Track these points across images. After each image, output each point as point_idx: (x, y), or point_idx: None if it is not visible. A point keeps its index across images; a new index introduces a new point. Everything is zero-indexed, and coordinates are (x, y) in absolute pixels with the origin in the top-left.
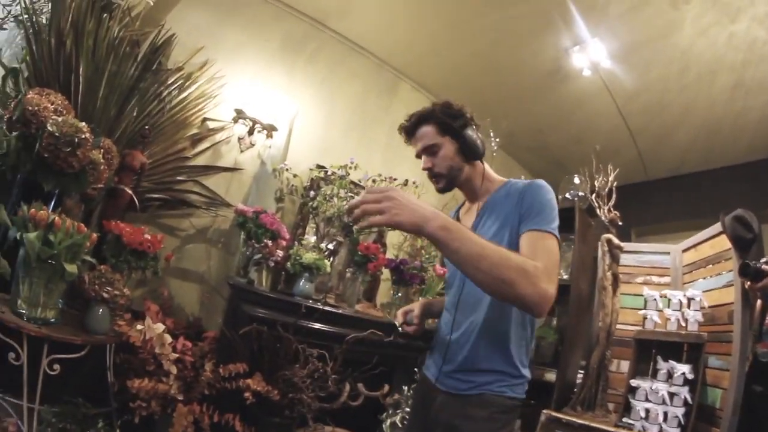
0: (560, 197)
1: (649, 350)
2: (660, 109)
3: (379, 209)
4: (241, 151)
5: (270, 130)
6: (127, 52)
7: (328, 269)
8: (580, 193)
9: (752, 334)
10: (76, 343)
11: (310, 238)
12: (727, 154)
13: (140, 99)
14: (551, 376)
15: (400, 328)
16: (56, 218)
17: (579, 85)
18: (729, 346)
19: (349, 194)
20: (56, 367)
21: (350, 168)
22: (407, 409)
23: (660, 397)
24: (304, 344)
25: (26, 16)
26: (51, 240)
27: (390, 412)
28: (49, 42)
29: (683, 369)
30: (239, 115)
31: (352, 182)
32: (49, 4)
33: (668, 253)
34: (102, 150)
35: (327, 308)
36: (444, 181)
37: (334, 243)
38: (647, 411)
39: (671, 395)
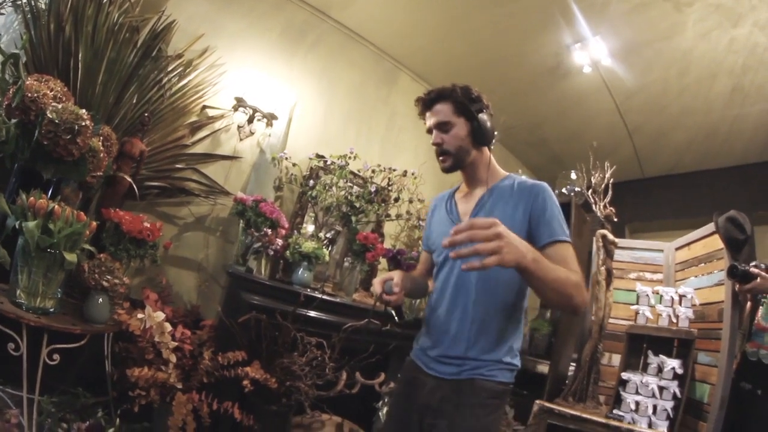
0: (557, 192)
1: (641, 344)
2: (658, 109)
3: (492, 250)
4: (241, 140)
5: (270, 118)
6: (127, 39)
7: (327, 258)
8: (577, 189)
9: (741, 334)
10: (76, 332)
11: (309, 227)
12: (722, 156)
13: (139, 86)
14: (544, 367)
15: (378, 302)
16: (56, 206)
17: (579, 82)
18: (718, 343)
19: (348, 184)
20: (56, 357)
21: (350, 158)
22: None
23: (650, 390)
24: (302, 332)
25: (25, 0)
26: (50, 229)
27: (386, 400)
28: (48, 27)
29: (673, 364)
30: (239, 103)
31: (351, 172)
32: None
33: (661, 250)
34: (101, 137)
35: (325, 297)
36: (451, 160)
37: (333, 232)
38: (637, 403)
39: (661, 389)
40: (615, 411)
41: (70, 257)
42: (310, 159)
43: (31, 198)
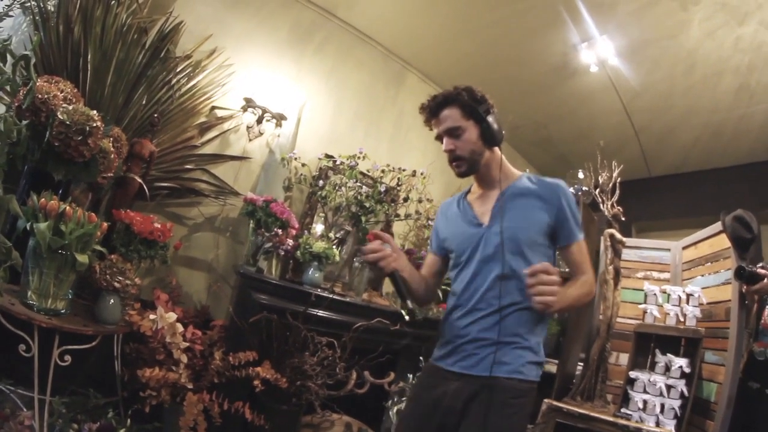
0: None
1: (648, 343)
2: (665, 108)
3: (552, 301)
4: (250, 140)
5: (279, 119)
6: (135, 40)
7: (338, 258)
8: (584, 188)
9: (749, 333)
10: (87, 333)
11: (318, 227)
12: (728, 155)
13: (148, 87)
14: (552, 367)
15: (362, 255)
16: (67, 208)
17: (586, 81)
18: (725, 342)
19: (357, 184)
20: (67, 358)
21: (359, 158)
22: None
23: (657, 389)
24: (312, 332)
25: (34, 2)
26: (62, 230)
27: (395, 399)
28: (57, 29)
29: (680, 362)
30: (248, 103)
31: (361, 173)
32: None
33: (669, 249)
34: (111, 138)
35: (335, 297)
36: (466, 165)
37: (342, 232)
38: (645, 402)
39: (668, 387)
40: (623, 410)
41: (82, 258)
42: (320, 159)
43: (42, 199)
